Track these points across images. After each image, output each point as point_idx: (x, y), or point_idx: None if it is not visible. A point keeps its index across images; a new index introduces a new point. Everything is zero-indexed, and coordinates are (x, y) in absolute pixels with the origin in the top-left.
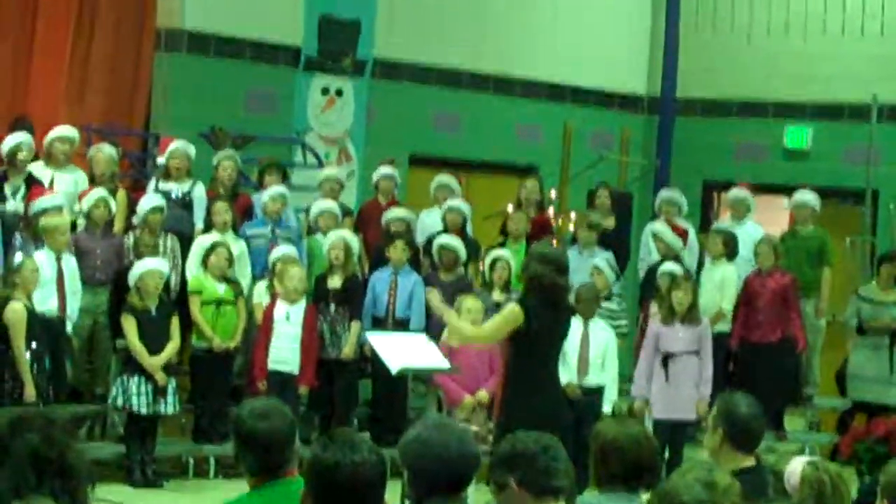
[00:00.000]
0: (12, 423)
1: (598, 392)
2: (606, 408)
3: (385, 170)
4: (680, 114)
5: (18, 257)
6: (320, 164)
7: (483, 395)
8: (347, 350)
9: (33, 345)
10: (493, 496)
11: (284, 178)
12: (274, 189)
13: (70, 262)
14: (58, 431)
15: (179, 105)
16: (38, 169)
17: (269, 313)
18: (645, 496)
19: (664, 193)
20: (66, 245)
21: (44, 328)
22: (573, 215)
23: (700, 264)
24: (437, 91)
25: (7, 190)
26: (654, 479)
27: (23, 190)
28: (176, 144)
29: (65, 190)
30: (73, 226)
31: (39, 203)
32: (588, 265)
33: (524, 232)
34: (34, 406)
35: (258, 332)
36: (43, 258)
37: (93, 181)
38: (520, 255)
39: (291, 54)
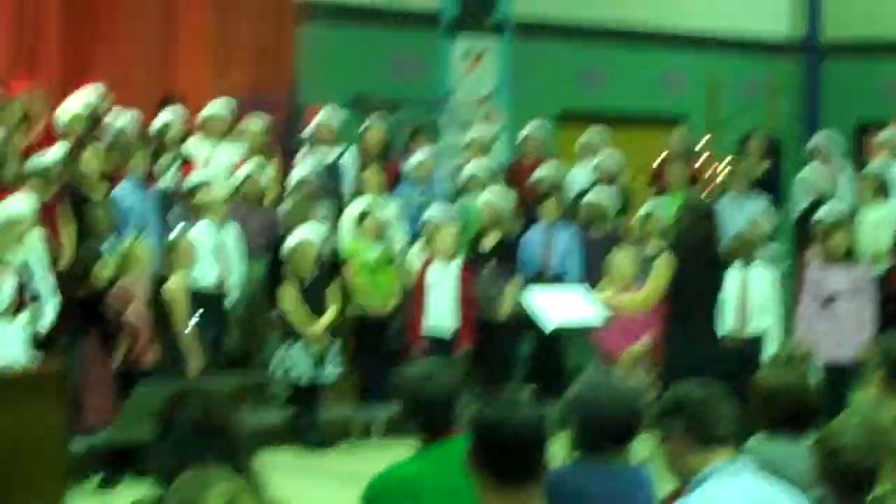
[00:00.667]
0: (173, 398)
1: (759, 338)
2: (770, 351)
3: (532, 128)
4: (828, 56)
5: (176, 232)
6: (467, 126)
7: (641, 344)
8: (505, 309)
9: (194, 319)
10: (659, 446)
11: (432, 141)
12: (422, 152)
13: (230, 234)
14: (217, 403)
15: (325, 74)
16: (195, 144)
17: (423, 275)
18: (809, 440)
19: (817, 137)
20: (225, 217)
21: (205, 301)
22: (724, 163)
23: (855, 207)
24: (580, 47)
25: (162, 166)
26: (817, 423)
27: (175, 167)
28: (323, 113)
29: (224, 163)
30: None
31: (191, 179)
32: (743, 212)
33: (682, 182)
34: (198, 380)
35: (414, 294)
36: (203, 231)
37: (247, 152)
38: (675, 206)
39: (432, 18)
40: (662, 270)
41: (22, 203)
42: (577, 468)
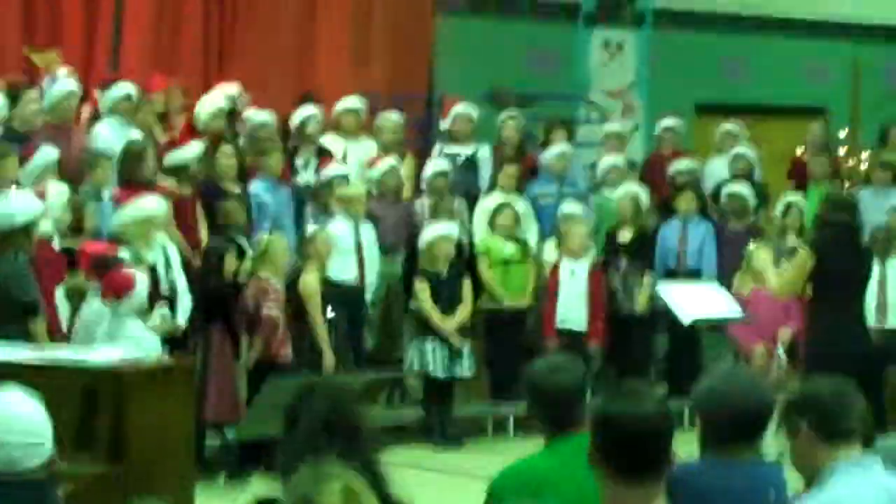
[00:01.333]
0: (303, 391)
1: None
2: None
3: (669, 121)
4: None
5: (312, 228)
6: (604, 119)
7: (782, 339)
8: (641, 303)
9: (330, 314)
10: (788, 441)
11: (570, 136)
12: (558, 147)
13: (368, 231)
14: (346, 398)
15: (461, 67)
16: (330, 140)
17: (555, 272)
18: None
19: None
20: (363, 213)
21: (343, 297)
22: (865, 155)
23: None
24: (719, 37)
25: (299, 162)
26: None
27: (314, 162)
28: (459, 107)
29: (358, 159)
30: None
31: (327, 173)
32: (884, 205)
33: (823, 175)
34: (331, 375)
35: (548, 291)
36: (342, 227)
37: (382, 149)
38: (816, 199)
39: (570, 10)
40: (802, 261)
41: (155, 202)
42: (704, 464)
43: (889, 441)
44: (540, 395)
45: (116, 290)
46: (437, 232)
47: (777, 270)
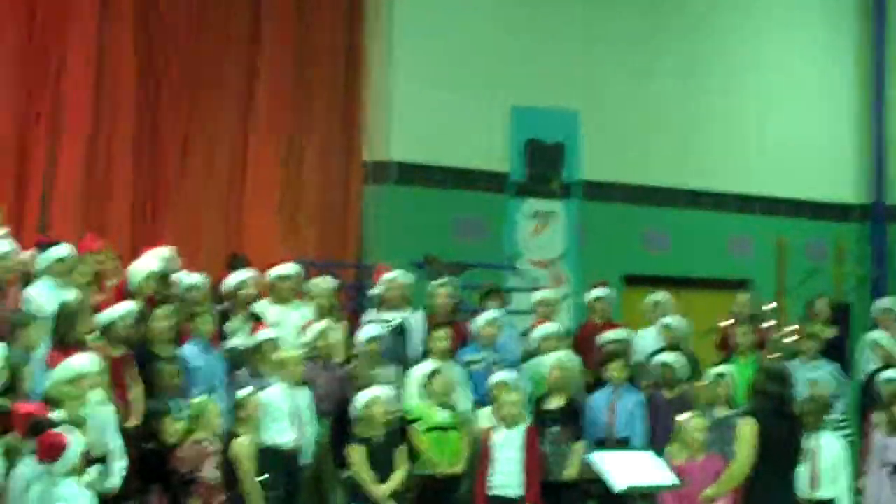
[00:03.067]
0: None
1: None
2: None
3: (599, 291)
4: (894, 220)
5: (244, 392)
6: (535, 289)
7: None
8: (572, 470)
9: (266, 477)
10: None
11: (503, 303)
12: (488, 314)
13: (304, 395)
14: None
15: (391, 235)
16: (262, 306)
17: (487, 439)
18: None
19: (880, 302)
20: (300, 377)
21: (279, 460)
22: (793, 328)
23: None
24: (647, 209)
25: (231, 327)
26: None
27: (247, 326)
28: (392, 273)
29: (294, 325)
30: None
31: (261, 336)
32: (812, 376)
33: (750, 346)
34: None
35: (481, 457)
36: (278, 392)
37: (319, 314)
38: (748, 369)
39: (499, 180)
40: (748, 436)
41: (87, 360)
42: None
43: None
44: None
45: (50, 451)
46: (373, 395)
47: (727, 474)
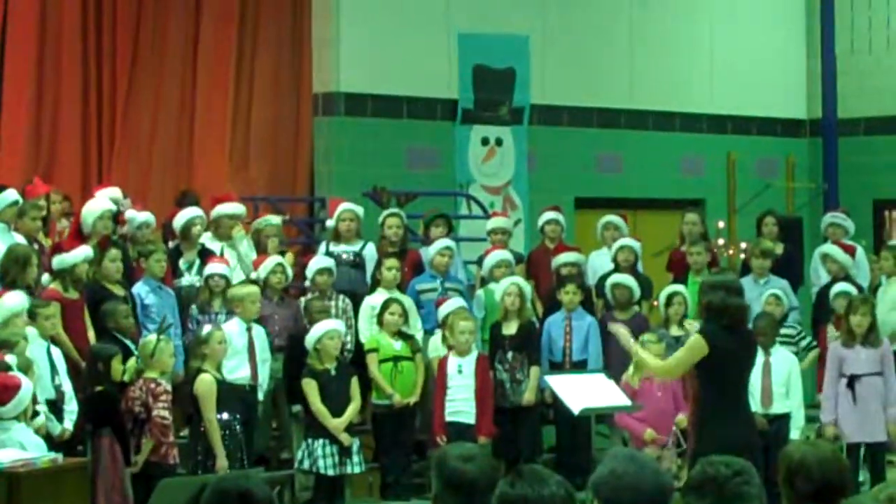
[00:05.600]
0: (196, 494)
1: (783, 419)
2: (795, 434)
3: (550, 214)
4: (844, 135)
5: (207, 329)
6: (486, 215)
7: (681, 422)
8: (528, 395)
9: (224, 415)
10: None
11: (450, 231)
12: (441, 243)
13: (260, 331)
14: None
15: (342, 167)
16: (207, 242)
17: (442, 367)
18: None
19: (829, 217)
20: (256, 313)
21: (236, 397)
22: (743, 245)
23: (874, 284)
24: (596, 132)
25: (183, 264)
26: (845, 497)
27: (198, 263)
28: (344, 206)
29: (236, 262)
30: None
31: (211, 270)
32: (763, 294)
33: (702, 265)
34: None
35: (435, 386)
36: (234, 328)
37: (261, 251)
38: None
39: (448, 107)
40: (695, 346)
41: (17, 298)
42: None
43: None
44: (454, 482)
45: (2, 394)
46: (326, 328)
47: (656, 361)
